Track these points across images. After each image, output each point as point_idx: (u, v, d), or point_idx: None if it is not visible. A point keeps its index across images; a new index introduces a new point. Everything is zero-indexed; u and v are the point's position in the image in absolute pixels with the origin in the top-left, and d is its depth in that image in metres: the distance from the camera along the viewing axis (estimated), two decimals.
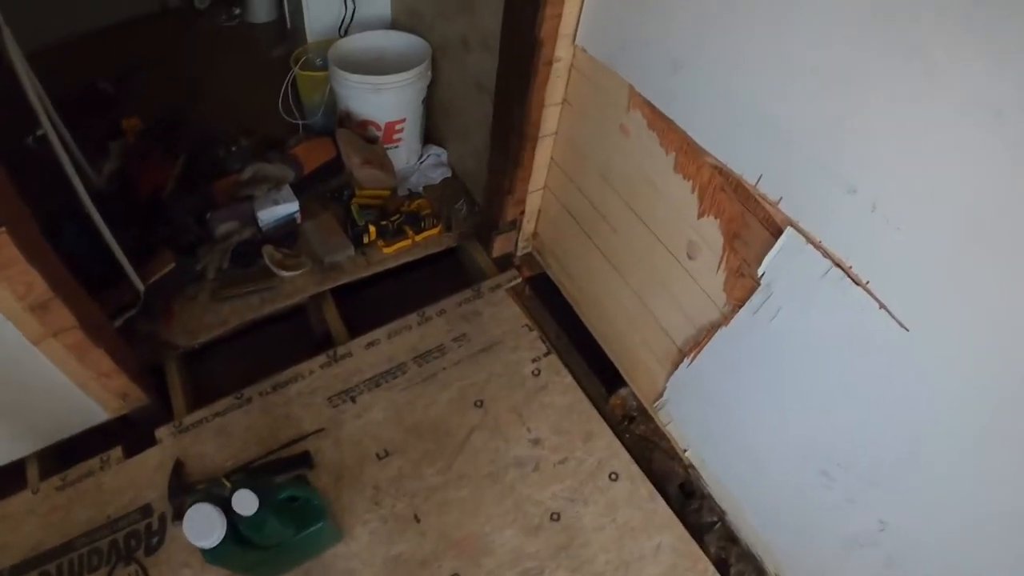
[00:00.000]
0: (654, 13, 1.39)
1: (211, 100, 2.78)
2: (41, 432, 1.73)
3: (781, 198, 1.26)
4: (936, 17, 0.90)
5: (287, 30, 2.85)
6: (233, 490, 1.20)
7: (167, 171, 2.20)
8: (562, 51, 1.66)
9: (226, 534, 1.19)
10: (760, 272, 1.35)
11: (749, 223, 1.35)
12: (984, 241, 0.94)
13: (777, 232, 1.28)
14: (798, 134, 1.18)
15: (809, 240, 1.22)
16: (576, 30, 1.63)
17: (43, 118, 1.67)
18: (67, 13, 2.98)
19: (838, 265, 1.18)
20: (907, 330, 1.10)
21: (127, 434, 1.79)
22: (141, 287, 1.87)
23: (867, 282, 1.14)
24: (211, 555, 1.22)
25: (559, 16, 1.57)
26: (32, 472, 1.71)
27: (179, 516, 1.60)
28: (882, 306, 1.13)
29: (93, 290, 1.60)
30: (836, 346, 1.26)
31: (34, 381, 1.57)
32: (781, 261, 1.30)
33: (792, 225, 1.25)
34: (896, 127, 1.00)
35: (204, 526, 1.18)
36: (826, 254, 1.20)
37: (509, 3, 1.64)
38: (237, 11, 3.28)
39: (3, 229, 1.24)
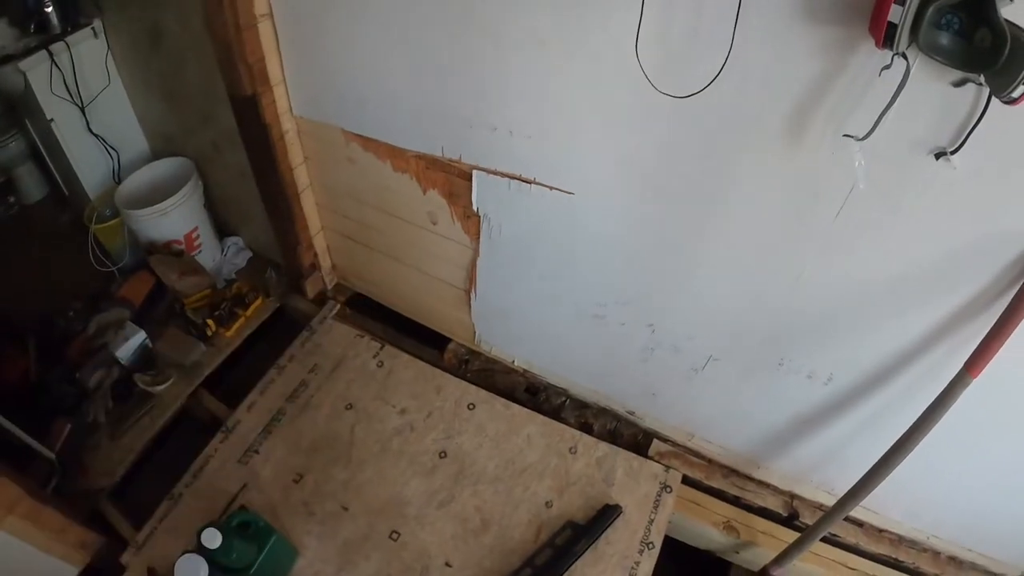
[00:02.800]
0: (336, 76, 2.10)
1: (26, 283, 3.16)
2: None
3: (460, 155, 1.99)
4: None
5: (65, 197, 3.37)
6: (200, 532, 1.78)
7: (24, 358, 2.72)
8: (287, 124, 2.34)
9: (211, 571, 1.73)
10: (476, 208, 2.08)
11: (454, 181, 2.07)
12: (573, 123, 1.70)
13: (469, 178, 2.01)
14: (444, 112, 1.92)
15: (489, 172, 1.96)
16: (290, 106, 2.31)
17: None
18: None
19: (513, 178, 1.93)
20: (572, 194, 1.86)
21: None
22: (52, 455, 2.32)
23: (534, 179, 1.89)
24: None
25: (274, 102, 2.24)
26: None
27: None
28: (551, 187, 1.87)
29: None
30: (544, 226, 2.00)
31: (6, 564, 1.94)
32: (482, 194, 2.04)
33: (475, 168, 1.98)
34: (495, 80, 1.75)
35: (191, 571, 1.72)
36: (503, 175, 1.94)
37: (235, 106, 2.28)
38: (12, 199, 3.65)
39: None
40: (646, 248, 1.87)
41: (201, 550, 1.75)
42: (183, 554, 1.75)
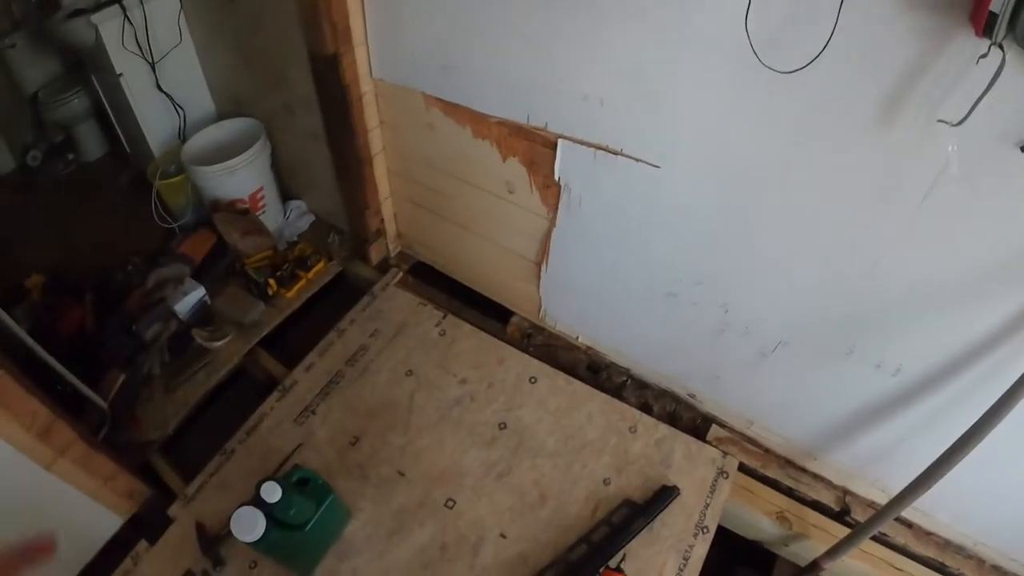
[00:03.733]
0: (420, 40, 2.09)
1: (86, 239, 3.20)
2: (71, 561, 2.07)
3: (547, 123, 1.97)
4: None
5: (127, 155, 3.39)
6: (259, 485, 1.76)
7: (81, 310, 2.72)
8: (366, 86, 2.33)
9: (268, 525, 1.71)
10: (557, 177, 2.05)
11: (536, 149, 2.05)
12: (668, 94, 1.68)
13: (554, 147, 1.99)
14: (533, 79, 1.89)
15: (575, 142, 1.94)
16: (370, 68, 2.30)
17: None
18: None
19: (599, 148, 1.90)
20: (659, 167, 1.83)
21: (137, 539, 2.15)
22: (105, 405, 2.33)
23: (621, 150, 1.87)
24: (262, 544, 1.73)
25: (355, 63, 2.23)
26: None
27: (218, 563, 2.04)
28: (638, 160, 1.85)
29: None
30: (627, 199, 1.97)
31: (54, 508, 1.94)
32: (566, 164, 2.01)
33: (561, 137, 1.96)
34: (590, 49, 1.73)
35: (249, 523, 1.69)
36: (589, 145, 1.92)
37: (315, 65, 2.28)
38: (71, 156, 3.73)
39: (0, 372, 1.65)
40: (727, 226, 1.84)
41: (259, 503, 1.72)
42: (240, 506, 1.72)
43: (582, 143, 1.93)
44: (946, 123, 1.28)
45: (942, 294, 1.60)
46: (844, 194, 1.57)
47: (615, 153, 1.88)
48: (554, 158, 2.01)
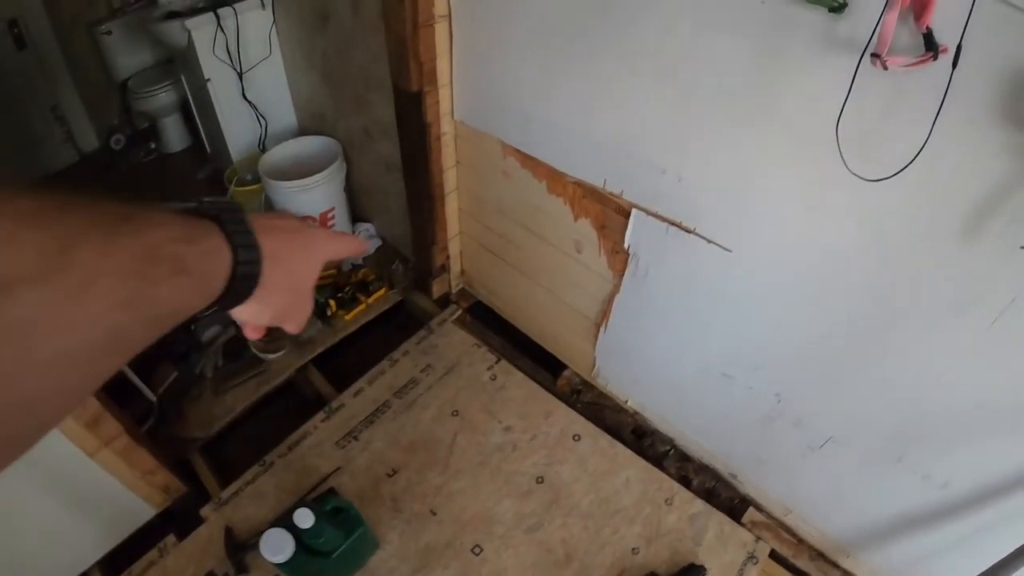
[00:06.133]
0: (504, 89, 2.07)
1: None
2: (100, 541, 2.12)
3: (623, 191, 1.93)
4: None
5: (207, 153, 3.44)
6: (293, 510, 1.76)
7: None
8: (446, 127, 2.33)
9: (296, 549, 1.71)
10: (627, 245, 2.02)
11: (609, 214, 2.01)
12: (747, 181, 1.63)
13: (627, 215, 1.95)
14: (614, 146, 1.86)
15: (649, 213, 1.90)
16: (452, 109, 2.29)
17: None
18: None
19: (673, 224, 1.86)
20: (730, 251, 1.78)
21: (168, 529, 2.18)
22: (153, 398, 2.38)
23: (694, 228, 1.82)
24: (287, 567, 1.73)
25: (437, 102, 2.23)
26: None
27: (241, 571, 2.05)
28: (710, 241, 1.80)
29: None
30: (694, 277, 1.93)
31: (91, 492, 1.97)
32: (637, 234, 1.97)
33: (635, 207, 1.92)
34: (673, 124, 1.70)
35: (278, 544, 1.69)
36: (662, 219, 1.88)
37: (398, 100, 2.28)
38: (153, 145, 3.82)
39: None
40: (793, 321, 1.78)
41: (291, 527, 1.72)
42: (272, 527, 1.73)
43: (656, 216, 1.89)
44: None
45: (1002, 417, 1.53)
46: (917, 306, 1.51)
47: (688, 231, 1.84)
48: (626, 226, 1.98)
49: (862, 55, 1.21)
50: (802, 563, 2.18)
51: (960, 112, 1.19)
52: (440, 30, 2.09)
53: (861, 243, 1.51)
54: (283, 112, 3.16)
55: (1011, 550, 1.47)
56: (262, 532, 2.09)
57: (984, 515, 1.68)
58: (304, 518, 1.73)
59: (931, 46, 1.13)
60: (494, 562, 2.08)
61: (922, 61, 1.14)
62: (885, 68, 1.17)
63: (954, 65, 1.12)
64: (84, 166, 3.79)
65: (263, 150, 3.03)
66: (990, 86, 1.15)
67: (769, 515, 2.25)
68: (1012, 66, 1.11)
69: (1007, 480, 1.60)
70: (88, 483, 1.96)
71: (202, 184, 3.49)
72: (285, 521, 1.75)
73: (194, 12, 2.81)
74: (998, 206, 1.27)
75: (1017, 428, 1.52)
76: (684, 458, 2.39)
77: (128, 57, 3.63)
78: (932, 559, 1.88)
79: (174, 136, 3.78)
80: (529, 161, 2.15)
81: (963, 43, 1.10)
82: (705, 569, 2.06)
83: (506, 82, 2.05)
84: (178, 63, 3.17)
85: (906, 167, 1.27)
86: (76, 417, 1.78)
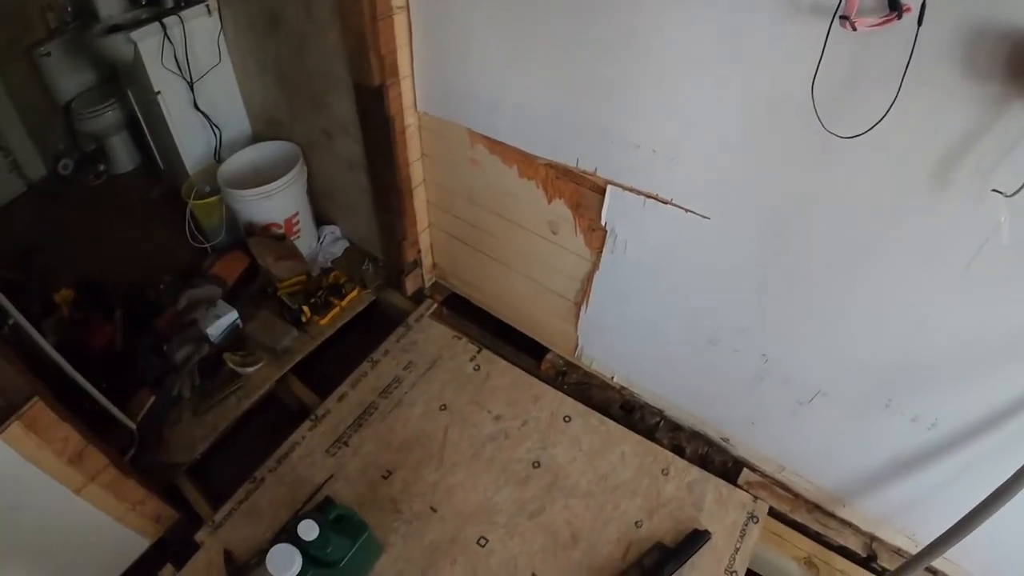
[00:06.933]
0: (468, 76, 2.04)
1: (116, 253, 3.16)
2: None
3: (596, 168, 1.93)
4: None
5: (159, 170, 3.33)
6: (296, 523, 1.71)
7: (110, 326, 2.65)
8: (410, 119, 2.29)
9: (303, 563, 1.66)
10: (604, 222, 2.01)
11: (584, 193, 2.00)
12: (723, 148, 1.63)
13: (602, 192, 1.94)
14: (587, 124, 1.85)
15: (625, 188, 1.89)
16: (415, 101, 2.26)
17: (10, 308, 2.05)
18: None
19: (649, 196, 1.86)
20: (709, 219, 1.78)
21: (164, 560, 2.11)
22: (133, 426, 2.28)
23: (671, 199, 1.82)
24: None
25: (400, 95, 2.19)
26: None
27: None
28: (687, 210, 1.81)
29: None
30: (674, 247, 1.93)
31: (81, 531, 1.90)
32: (613, 210, 1.97)
33: (610, 183, 1.91)
34: (646, 98, 1.69)
35: (284, 561, 1.64)
36: (639, 192, 1.87)
37: (359, 96, 2.24)
38: (102, 167, 3.67)
39: (36, 399, 1.60)
40: (774, 280, 1.79)
41: (296, 541, 1.68)
42: (276, 543, 1.68)
43: (632, 190, 1.88)
44: (1000, 193, 1.26)
45: (983, 354, 1.57)
46: (894, 254, 1.54)
47: (664, 202, 1.84)
48: (602, 203, 1.97)
49: (832, 18, 1.24)
50: (800, 517, 2.21)
51: (926, 67, 1.23)
52: (399, 21, 2.06)
53: (837, 198, 1.53)
54: (236, 120, 3.08)
55: (1000, 483, 1.49)
56: (262, 551, 2.07)
57: (972, 451, 1.72)
58: (308, 530, 1.70)
59: (895, 6, 1.17)
60: (501, 552, 2.06)
61: (887, 20, 1.18)
62: (854, 29, 1.21)
63: (919, 23, 1.16)
64: (33, 195, 3.64)
65: (219, 160, 2.95)
66: (953, 41, 1.19)
67: (763, 474, 2.27)
68: (973, 22, 1.15)
69: (991, 415, 1.64)
70: (77, 521, 1.89)
71: (156, 203, 3.38)
72: (287, 535, 1.72)
73: (137, 24, 2.72)
74: (966, 154, 1.30)
75: (997, 364, 1.55)
76: (675, 427, 2.40)
77: (69, 78, 3.49)
78: (926, 498, 1.92)
79: (123, 155, 3.65)
80: (498, 147, 2.13)
81: (927, 1, 1.14)
82: (710, 534, 2.07)
83: (470, 69, 2.02)
84: (124, 79, 3.05)
85: (878, 123, 1.29)
86: (58, 454, 1.70)
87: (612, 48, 1.66)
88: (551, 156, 2.01)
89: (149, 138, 3.21)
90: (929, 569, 2.09)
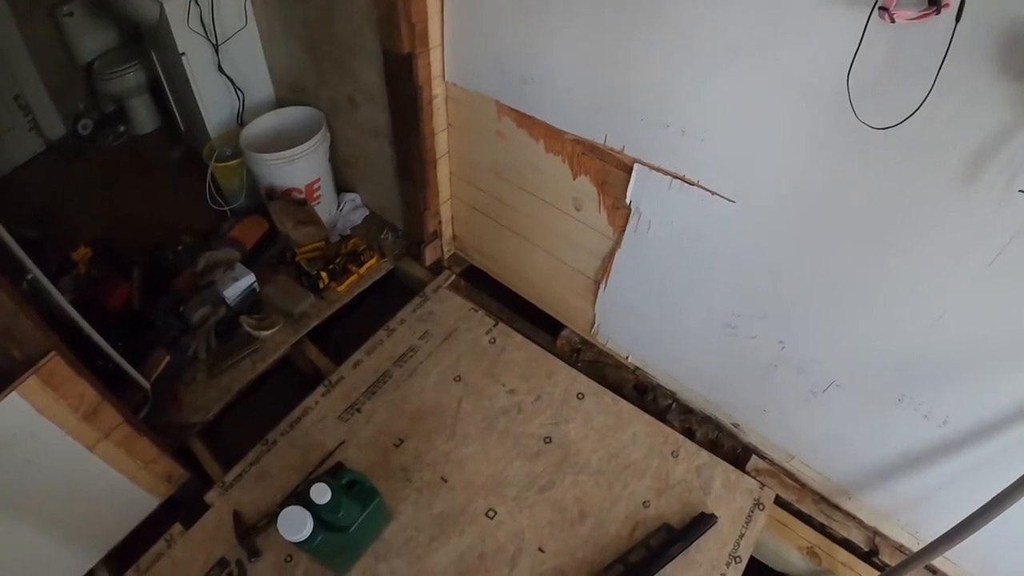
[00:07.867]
0: (499, 48, 2.02)
1: (135, 213, 3.16)
2: (103, 538, 2.05)
3: (624, 146, 1.91)
4: None
5: (180, 132, 3.32)
6: (308, 485, 1.71)
7: (128, 286, 2.65)
8: (438, 89, 2.28)
9: (314, 525, 1.66)
10: (628, 200, 1.99)
11: (609, 171, 1.99)
12: (752, 132, 1.61)
13: (629, 170, 1.93)
14: (617, 101, 1.83)
15: (652, 168, 1.88)
16: (444, 71, 2.24)
17: (29, 264, 2.05)
18: None
19: (676, 177, 1.84)
20: (734, 202, 1.77)
21: (174, 519, 2.13)
22: (147, 385, 2.28)
23: (697, 181, 1.81)
24: (307, 545, 1.68)
25: (428, 64, 2.17)
26: None
27: (254, 554, 2.00)
28: (713, 193, 1.79)
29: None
30: (697, 229, 1.91)
31: (93, 488, 1.90)
32: (639, 189, 1.95)
33: (637, 161, 1.90)
34: (677, 78, 1.67)
35: (296, 523, 1.65)
36: (665, 172, 1.86)
37: (388, 64, 2.22)
38: (122, 128, 3.67)
39: (53, 354, 1.60)
40: (797, 268, 1.78)
41: (307, 504, 1.68)
42: (288, 505, 1.68)
43: (659, 170, 1.87)
44: None
45: (1000, 353, 1.55)
46: (919, 248, 1.53)
47: (691, 184, 1.82)
48: (627, 181, 1.95)
49: (872, 9, 1.23)
50: (806, 507, 2.21)
51: (961, 64, 1.22)
52: None
53: (865, 189, 1.51)
54: (260, 84, 3.06)
55: (1008, 484, 1.47)
56: (271, 514, 2.09)
57: (982, 451, 1.71)
58: (321, 493, 1.70)
59: (934, 1, 1.17)
60: (509, 524, 2.07)
61: (926, 15, 1.18)
62: (893, 21, 1.21)
63: (957, 19, 1.15)
64: (52, 154, 3.63)
65: (241, 124, 2.93)
66: (990, 39, 1.18)
67: (772, 462, 2.27)
68: (1011, 21, 1.14)
69: (1003, 415, 1.62)
70: (89, 477, 1.89)
71: (176, 165, 3.37)
72: (298, 498, 1.72)
73: None
74: (995, 153, 1.28)
75: (1014, 364, 1.54)
76: (687, 411, 2.40)
77: (92, 38, 3.47)
78: (932, 495, 1.91)
79: (144, 117, 3.64)
80: (525, 120, 2.11)
81: None
82: (716, 518, 2.07)
83: (501, 42, 2.00)
84: (148, 40, 3.03)
85: (911, 116, 1.28)
86: (73, 409, 1.70)
87: (648, 25, 1.64)
88: (579, 132, 2.00)
89: (171, 100, 3.20)
90: (929, 567, 2.10)
